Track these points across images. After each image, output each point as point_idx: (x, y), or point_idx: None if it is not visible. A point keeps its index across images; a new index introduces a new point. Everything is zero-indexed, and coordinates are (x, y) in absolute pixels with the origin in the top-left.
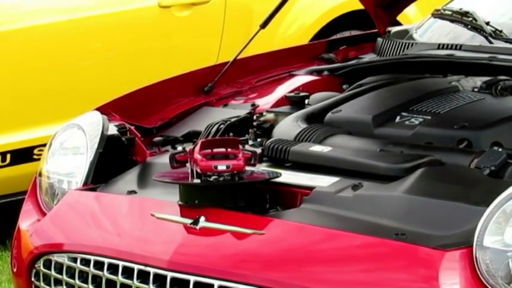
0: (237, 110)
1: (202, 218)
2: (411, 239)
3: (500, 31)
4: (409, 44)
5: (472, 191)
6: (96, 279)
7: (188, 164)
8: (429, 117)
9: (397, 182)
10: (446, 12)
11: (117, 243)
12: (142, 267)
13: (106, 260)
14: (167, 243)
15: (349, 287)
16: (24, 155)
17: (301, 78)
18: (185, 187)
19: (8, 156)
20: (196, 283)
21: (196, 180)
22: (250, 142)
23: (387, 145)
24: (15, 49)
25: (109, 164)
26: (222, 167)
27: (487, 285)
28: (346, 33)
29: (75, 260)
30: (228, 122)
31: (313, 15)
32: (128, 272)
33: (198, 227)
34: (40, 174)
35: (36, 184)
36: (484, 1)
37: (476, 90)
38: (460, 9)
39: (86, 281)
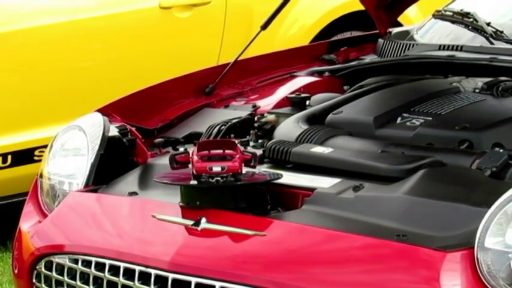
0: (238, 111)
1: (203, 219)
2: (412, 240)
3: (501, 32)
4: (410, 45)
5: (474, 192)
6: (98, 281)
7: (190, 165)
8: (430, 118)
9: (399, 183)
10: (447, 13)
11: (118, 244)
12: (143, 269)
13: (107, 262)
14: (168, 245)
15: None
16: (25, 156)
17: (302, 80)
18: (186, 188)
19: (9, 157)
20: (197, 284)
21: (194, 182)
22: (252, 143)
23: (388, 146)
24: (16, 50)
25: (110, 166)
26: (217, 168)
27: (489, 286)
28: (347, 34)
29: (76, 261)
30: (229, 123)
31: (314, 16)
32: (129, 274)
33: (199, 228)
34: (41, 176)
35: (37, 185)
36: (485, 2)
37: (477, 91)
38: (461, 10)
39: (87, 283)
